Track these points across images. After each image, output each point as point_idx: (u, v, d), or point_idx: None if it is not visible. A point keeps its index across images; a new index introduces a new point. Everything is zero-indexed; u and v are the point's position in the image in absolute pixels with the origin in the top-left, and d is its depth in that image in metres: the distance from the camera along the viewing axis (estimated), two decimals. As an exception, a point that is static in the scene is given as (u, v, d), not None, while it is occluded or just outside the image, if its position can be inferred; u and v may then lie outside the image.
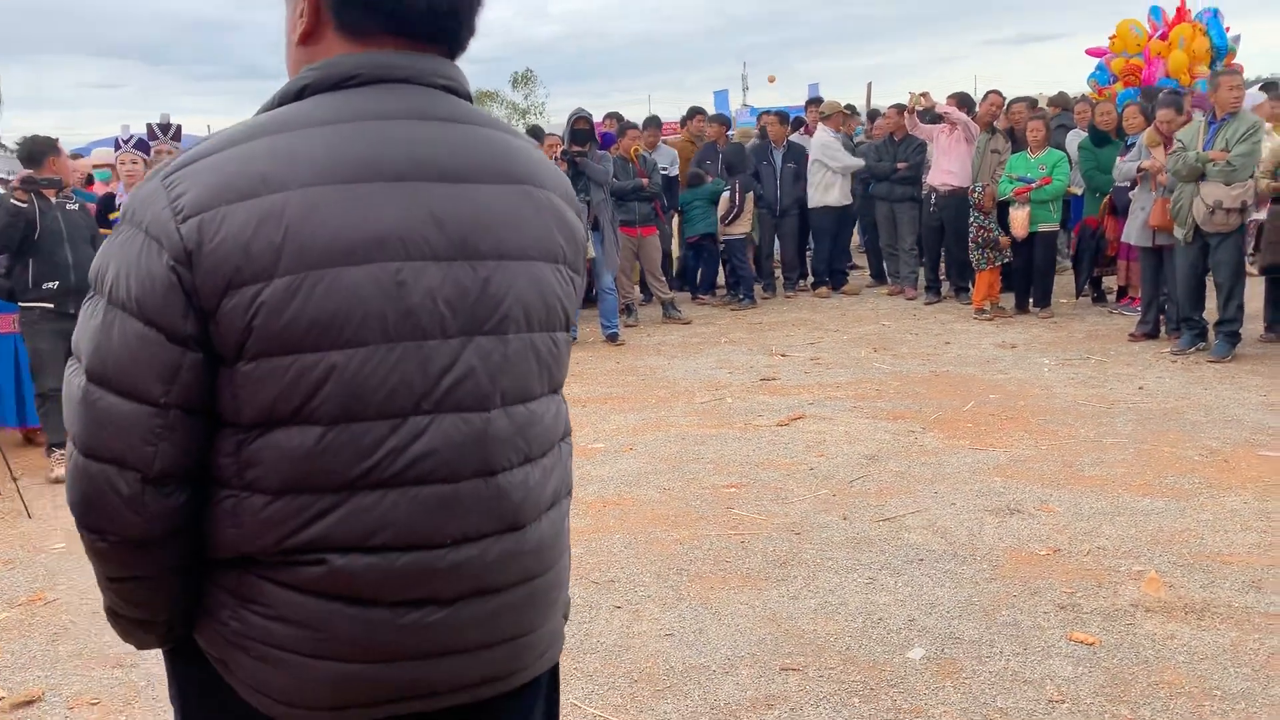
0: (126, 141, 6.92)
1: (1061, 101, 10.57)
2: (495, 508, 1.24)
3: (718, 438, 5.65)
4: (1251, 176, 6.71)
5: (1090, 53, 11.63)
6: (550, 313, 1.30)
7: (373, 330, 1.16)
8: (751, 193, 9.73)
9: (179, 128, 8.27)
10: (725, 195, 9.61)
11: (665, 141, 10.81)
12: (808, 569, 3.84)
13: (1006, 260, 8.66)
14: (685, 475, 5.01)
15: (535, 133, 10.66)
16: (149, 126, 8.19)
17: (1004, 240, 8.53)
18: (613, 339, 8.47)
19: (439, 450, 1.19)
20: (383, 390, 1.16)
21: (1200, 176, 6.75)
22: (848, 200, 10.15)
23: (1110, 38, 11.20)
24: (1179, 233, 6.96)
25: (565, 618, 1.44)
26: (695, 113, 11.40)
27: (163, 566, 1.20)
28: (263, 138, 1.17)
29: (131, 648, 1.34)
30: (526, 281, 1.26)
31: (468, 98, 1.32)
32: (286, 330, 1.13)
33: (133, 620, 1.27)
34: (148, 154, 7.04)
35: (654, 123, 10.29)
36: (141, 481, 1.14)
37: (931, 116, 9.38)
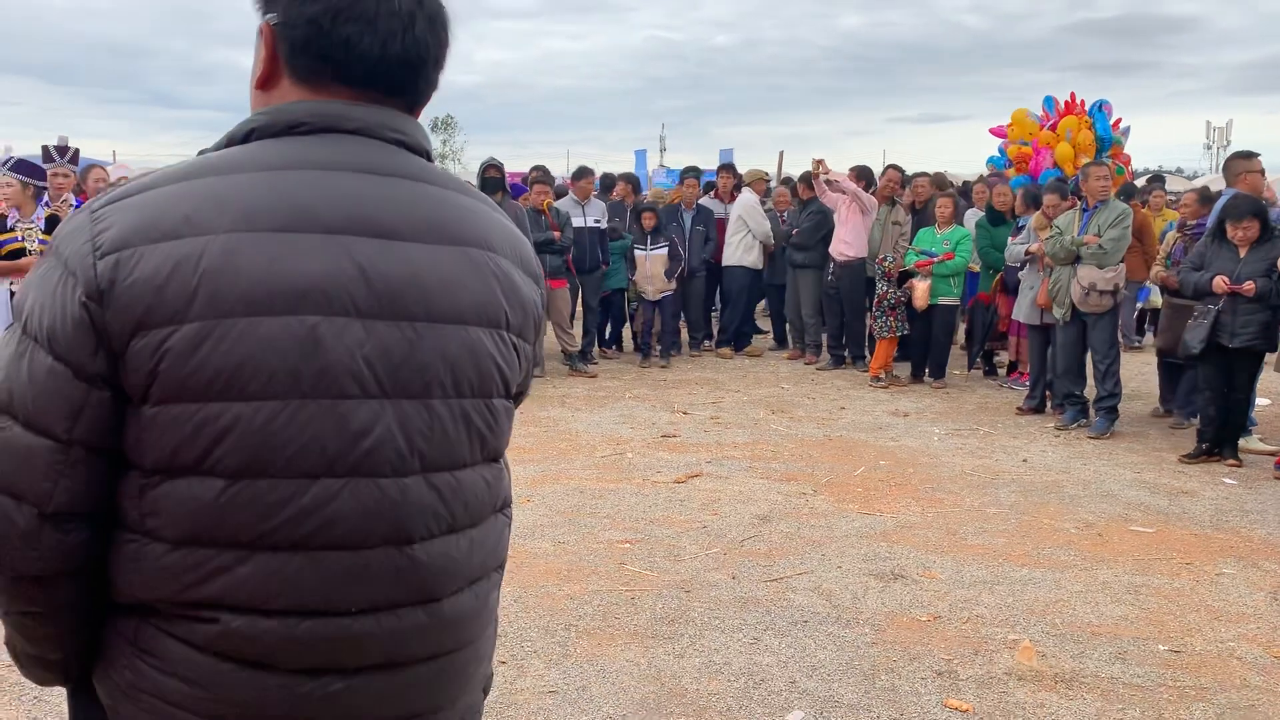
0: (4, 164, 6.64)
1: (939, 182, 10.85)
2: (409, 578, 1.20)
3: (615, 492, 5.66)
4: (1122, 261, 7.12)
5: (994, 132, 12.05)
6: (485, 379, 1.26)
7: (283, 385, 1.12)
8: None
9: (76, 151, 8.01)
10: (664, 253, 9.75)
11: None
12: (695, 627, 3.85)
13: (905, 332, 8.91)
14: (581, 529, 5.00)
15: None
16: (45, 149, 7.91)
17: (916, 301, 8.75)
18: (517, 389, 8.43)
19: (349, 515, 1.15)
20: (291, 448, 1.13)
21: (1076, 260, 7.13)
22: (760, 265, 10.37)
23: (1008, 125, 11.69)
24: (1058, 312, 7.33)
25: (485, 691, 1.39)
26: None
27: (59, 604, 1.16)
28: (197, 179, 1.16)
29: None
30: (459, 346, 1.23)
31: (425, 154, 1.30)
32: (191, 378, 1.10)
33: (30, 656, 1.23)
34: (39, 177, 6.79)
35: (584, 173, 10.21)
36: (39, 517, 1.10)
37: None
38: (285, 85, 1.26)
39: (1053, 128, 10.93)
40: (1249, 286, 6.09)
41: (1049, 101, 11.33)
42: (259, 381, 1.11)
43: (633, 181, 11.38)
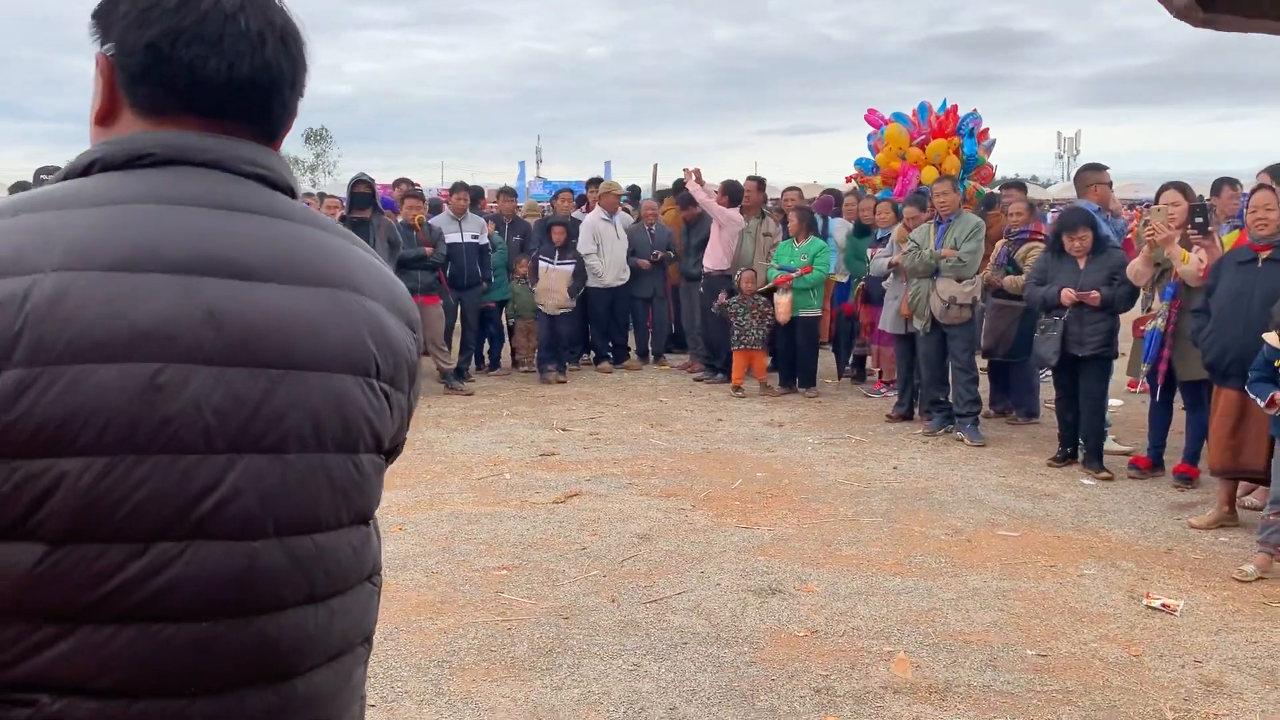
0: None
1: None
2: (258, 654, 1.09)
3: (492, 516, 5.54)
4: (979, 272, 7.38)
5: (869, 119, 12.06)
6: (351, 431, 1.16)
7: (118, 438, 1.01)
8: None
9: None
10: (570, 270, 9.64)
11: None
12: (573, 656, 3.78)
13: (756, 347, 8.96)
14: (455, 557, 4.87)
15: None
16: None
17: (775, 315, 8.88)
18: (389, 410, 8.21)
19: (190, 582, 1.04)
20: (124, 508, 1.01)
21: (935, 272, 7.35)
22: (623, 279, 10.21)
23: (882, 139, 11.75)
24: (918, 323, 7.56)
25: None
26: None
27: None
28: (25, 214, 1.05)
29: None
30: (322, 394, 1.12)
31: (288, 190, 1.20)
32: (12, 430, 0.98)
33: None
34: None
35: (463, 187, 10.08)
36: None
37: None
38: (127, 119, 1.16)
39: (922, 145, 11.17)
40: (1094, 296, 6.34)
41: (923, 109, 11.51)
42: (89, 435, 1.00)
43: (512, 195, 11.31)
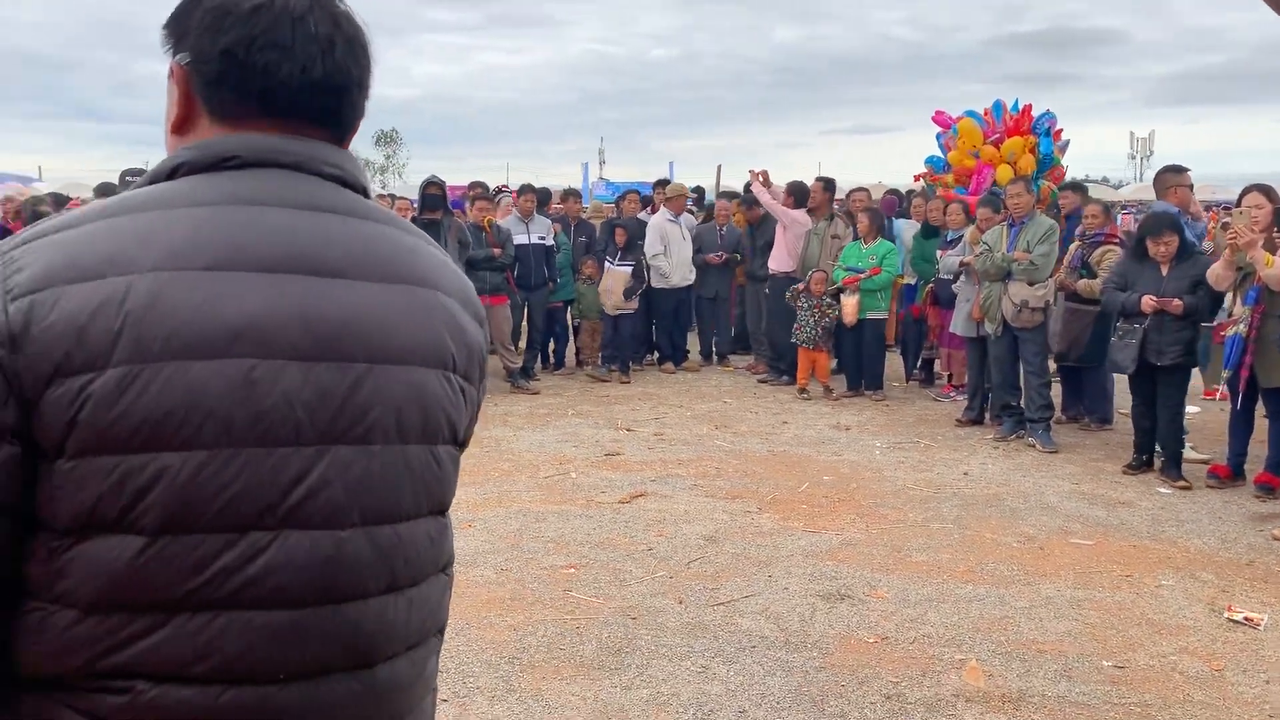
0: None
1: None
2: (343, 641, 1.12)
3: (559, 514, 5.59)
4: (1052, 275, 7.25)
5: (937, 119, 11.82)
6: (430, 424, 1.19)
7: (214, 433, 1.04)
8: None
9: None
10: (629, 271, 9.69)
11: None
12: (642, 657, 3.79)
13: (816, 346, 8.90)
14: (524, 555, 4.92)
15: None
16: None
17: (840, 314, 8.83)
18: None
19: (280, 571, 1.07)
20: (220, 500, 1.05)
21: (1007, 275, 7.24)
22: (689, 280, 10.23)
23: (955, 136, 11.47)
24: (989, 327, 7.45)
25: None
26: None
27: None
28: (120, 216, 1.08)
29: None
30: (403, 388, 1.16)
31: (361, 190, 1.24)
32: (114, 427, 1.02)
33: None
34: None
35: (530, 189, 10.20)
36: None
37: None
38: (204, 125, 1.19)
39: (997, 143, 10.94)
40: (1177, 304, 6.16)
41: (998, 107, 11.28)
42: (188, 430, 1.03)
43: (576, 196, 11.42)
